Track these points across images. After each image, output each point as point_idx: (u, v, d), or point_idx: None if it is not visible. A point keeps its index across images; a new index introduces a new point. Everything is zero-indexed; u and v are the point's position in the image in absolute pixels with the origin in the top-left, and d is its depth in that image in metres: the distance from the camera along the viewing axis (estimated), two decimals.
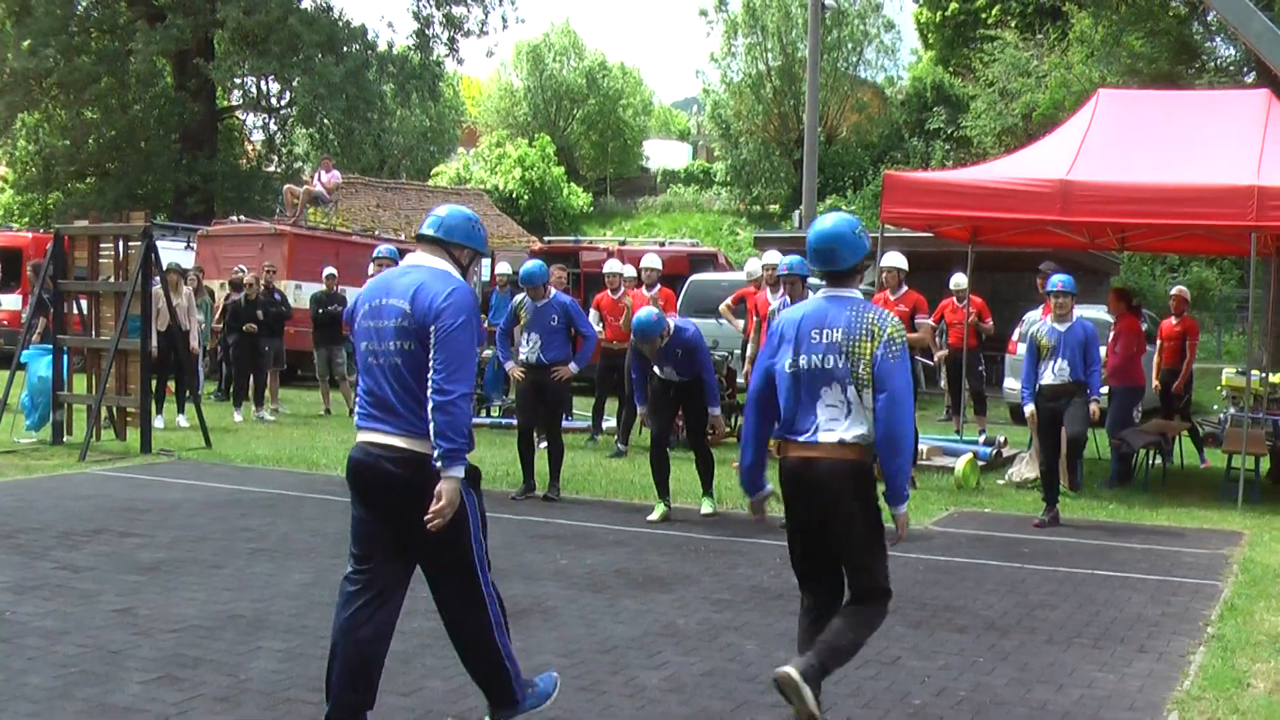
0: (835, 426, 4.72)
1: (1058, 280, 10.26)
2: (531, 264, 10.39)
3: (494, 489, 10.11)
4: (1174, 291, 14.73)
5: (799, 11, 44.76)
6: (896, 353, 4.69)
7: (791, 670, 4.52)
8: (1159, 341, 14.36)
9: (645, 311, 9.24)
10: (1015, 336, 16.61)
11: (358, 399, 4.62)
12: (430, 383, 4.35)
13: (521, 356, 10.30)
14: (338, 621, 4.51)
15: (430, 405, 4.33)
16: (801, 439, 4.78)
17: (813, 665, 4.57)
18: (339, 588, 4.59)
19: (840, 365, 4.71)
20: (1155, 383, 14.22)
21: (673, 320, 9.58)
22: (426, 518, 4.30)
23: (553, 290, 10.29)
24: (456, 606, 4.61)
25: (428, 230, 4.71)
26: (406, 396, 4.44)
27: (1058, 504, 9.97)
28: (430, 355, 4.37)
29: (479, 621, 4.59)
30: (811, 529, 4.84)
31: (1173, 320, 14.19)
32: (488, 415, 15.64)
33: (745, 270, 14.71)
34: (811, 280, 9.91)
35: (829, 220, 4.93)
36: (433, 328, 4.38)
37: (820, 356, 4.74)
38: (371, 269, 13.43)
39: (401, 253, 22.08)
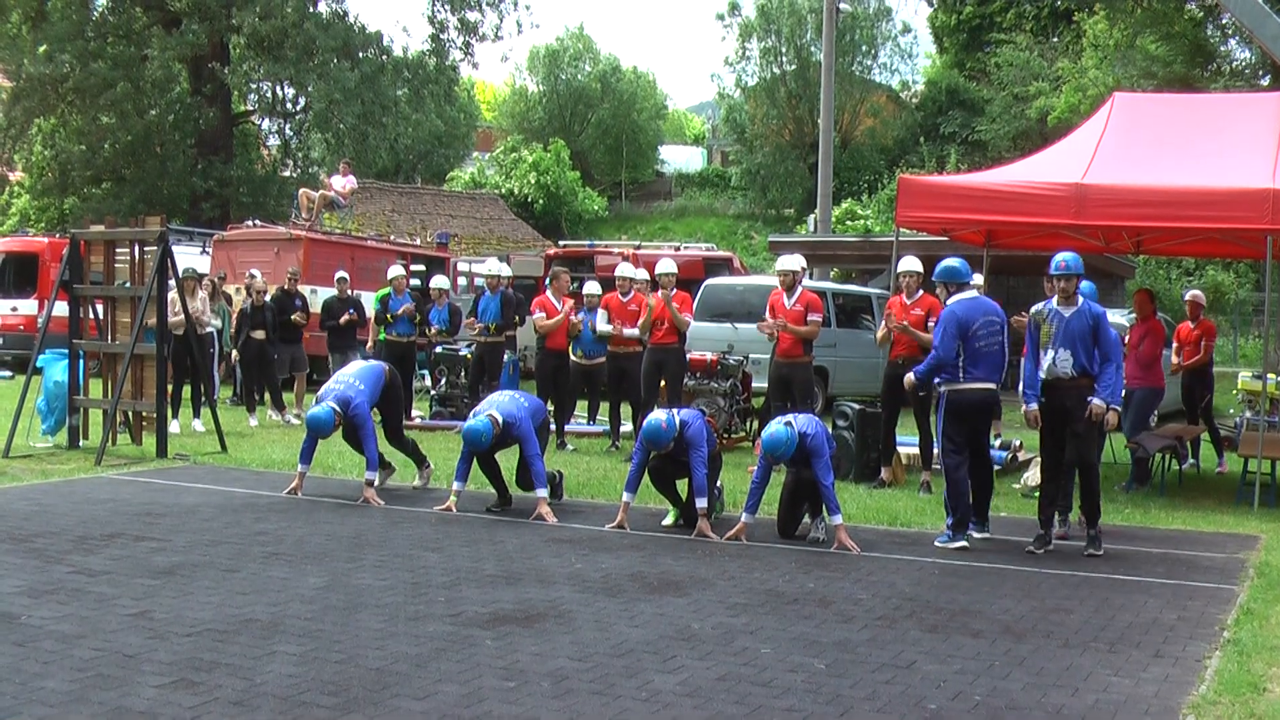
0: None
1: (1060, 259, 8.79)
2: None
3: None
4: (1189, 296, 14.52)
5: (812, 17, 44.83)
6: None
7: None
8: (1175, 345, 14.25)
9: (656, 418, 9.07)
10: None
11: (966, 366, 8.97)
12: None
13: None
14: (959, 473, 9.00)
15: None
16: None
17: None
18: (954, 463, 8.97)
19: None
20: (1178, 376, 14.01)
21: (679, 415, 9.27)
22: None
23: None
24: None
25: (964, 280, 9.43)
26: (1000, 365, 9.17)
27: (1068, 515, 9.36)
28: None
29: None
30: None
31: (1190, 324, 14.06)
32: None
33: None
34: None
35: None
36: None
37: None
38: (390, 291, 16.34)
39: (406, 259, 21.91)
